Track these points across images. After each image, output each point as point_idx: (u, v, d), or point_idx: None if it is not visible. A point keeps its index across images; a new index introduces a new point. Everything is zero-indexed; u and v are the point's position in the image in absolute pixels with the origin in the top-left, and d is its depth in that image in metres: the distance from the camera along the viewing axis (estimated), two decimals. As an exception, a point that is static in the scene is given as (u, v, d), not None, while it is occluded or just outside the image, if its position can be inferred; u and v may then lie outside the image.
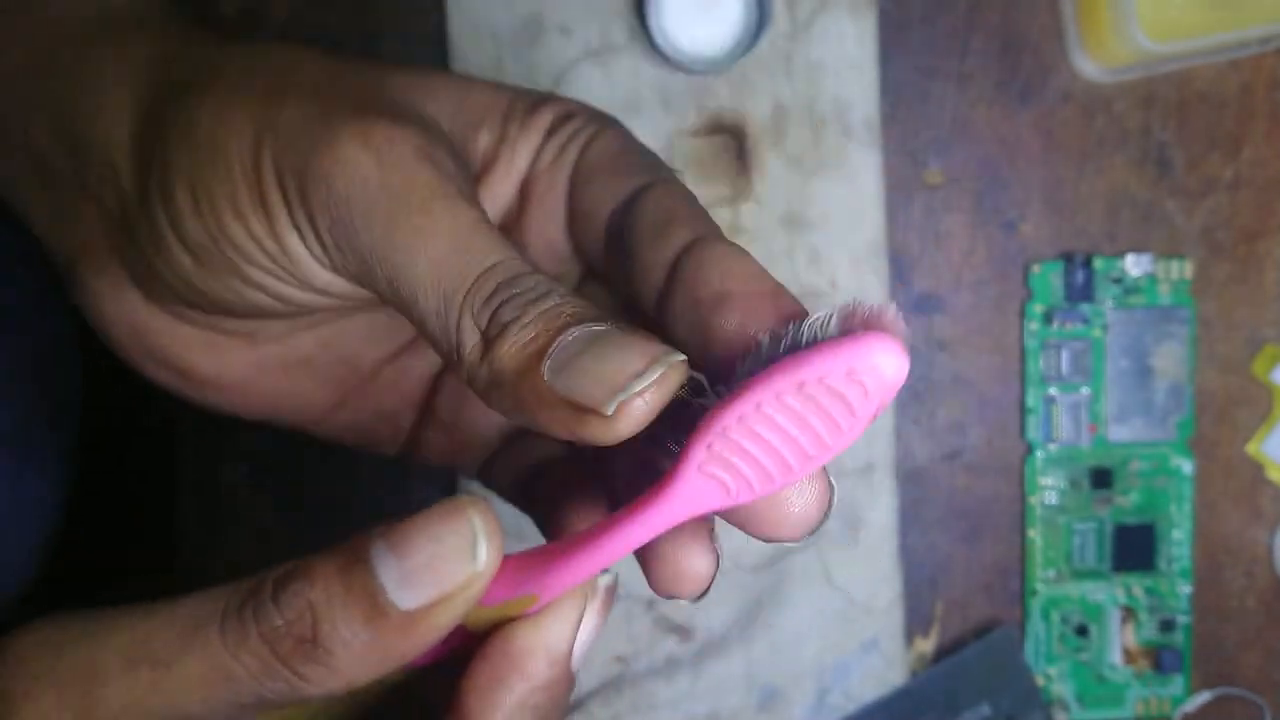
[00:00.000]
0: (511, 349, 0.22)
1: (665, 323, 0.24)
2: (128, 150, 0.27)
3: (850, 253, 0.43)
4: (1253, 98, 0.44)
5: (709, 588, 0.24)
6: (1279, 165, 0.44)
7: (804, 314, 0.22)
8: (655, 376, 0.21)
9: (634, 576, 0.25)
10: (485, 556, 0.21)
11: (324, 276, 0.25)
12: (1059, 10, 0.44)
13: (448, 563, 0.21)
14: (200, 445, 0.43)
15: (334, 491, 0.43)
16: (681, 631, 0.43)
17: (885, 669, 0.44)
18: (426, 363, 0.31)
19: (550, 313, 0.22)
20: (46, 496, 0.40)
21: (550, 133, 0.27)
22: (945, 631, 0.45)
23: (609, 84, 0.42)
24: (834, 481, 0.23)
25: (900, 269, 0.44)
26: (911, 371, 0.47)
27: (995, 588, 0.45)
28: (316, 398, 0.30)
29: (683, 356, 0.21)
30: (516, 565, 0.22)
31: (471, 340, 0.23)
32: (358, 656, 0.21)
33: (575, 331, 0.22)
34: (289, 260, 0.25)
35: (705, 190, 0.42)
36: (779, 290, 0.23)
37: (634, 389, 0.21)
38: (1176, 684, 0.45)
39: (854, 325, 0.20)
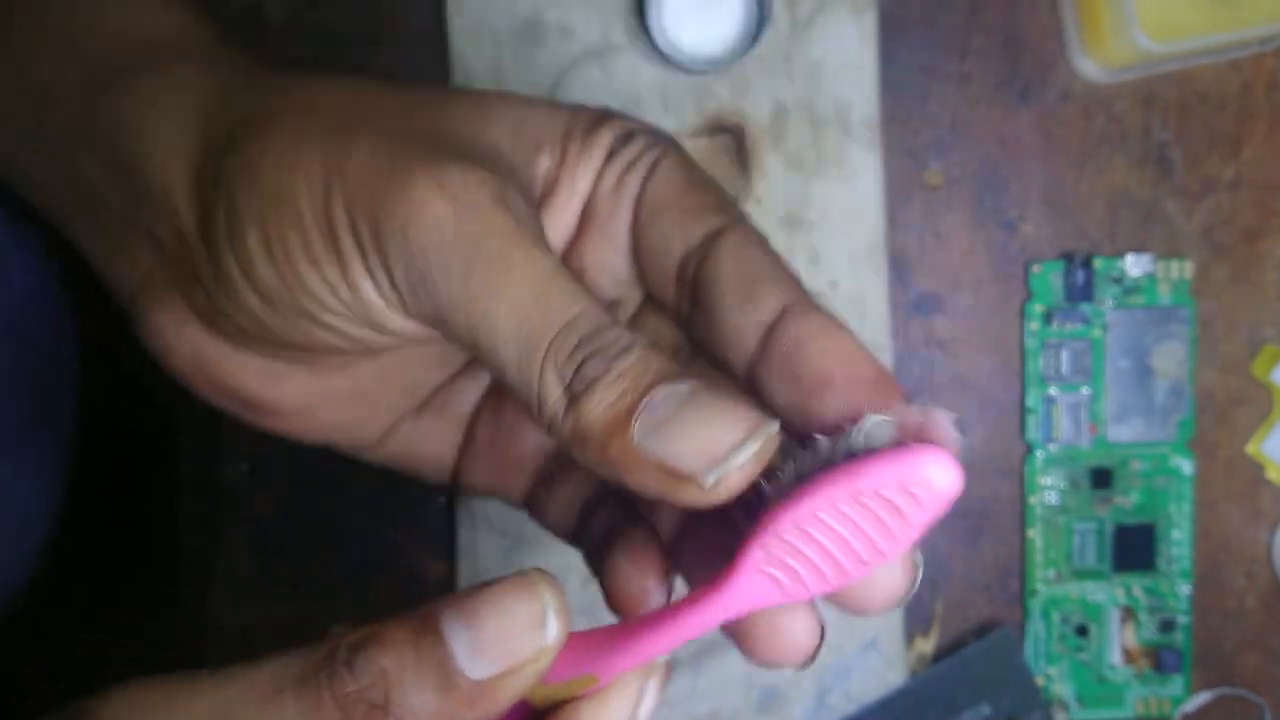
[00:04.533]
0: (599, 407, 0.22)
1: (757, 389, 0.24)
2: (186, 191, 0.27)
3: (850, 253, 0.43)
4: (1253, 98, 0.44)
5: (815, 655, 0.24)
6: (1279, 165, 0.44)
7: (903, 400, 0.23)
8: (755, 449, 0.22)
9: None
10: (554, 630, 0.21)
11: (397, 322, 0.25)
12: (1059, 10, 0.44)
13: (518, 635, 0.21)
14: (200, 445, 0.43)
15: (334, 491, 0.43)
16: (681, 631, 0.43)
17: (885, 669, 0.44)
18: (475, 387, 0.31)
19: (635, 369, 0.22)
20: (45, 496, 0.40)
21: (610, 155, 0.27)
22: (945, 631, 0.45)
23: (609, 84, 0.42)
24: (919, 560, 0.23)
25: (900, 269, 0.44)
26: (911, 371, 0.47)
27: (995, 588, 0.45)
28: (372, 424, 0.30)
29: (777, 424, 0.22)
30: (577, 643, 0.23)
31: (555, 393, 0.23)
32: None
33: (662, 392, 0.22)
34: (363, 307, 0.25)
35: (705, 190, 0.42)
36: (881, 375, 0.23)
37: (734, 461, 0.21)
38: (1176, 684, 0.45)
39: (907, 435, 0.21)
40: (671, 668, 0.24)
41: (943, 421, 0.21)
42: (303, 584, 0.43)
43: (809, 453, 0.22)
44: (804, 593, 0.22)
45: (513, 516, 0.43)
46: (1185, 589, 0.45)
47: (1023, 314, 0.44)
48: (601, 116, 0.27)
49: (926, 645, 0.45)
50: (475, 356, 0.24)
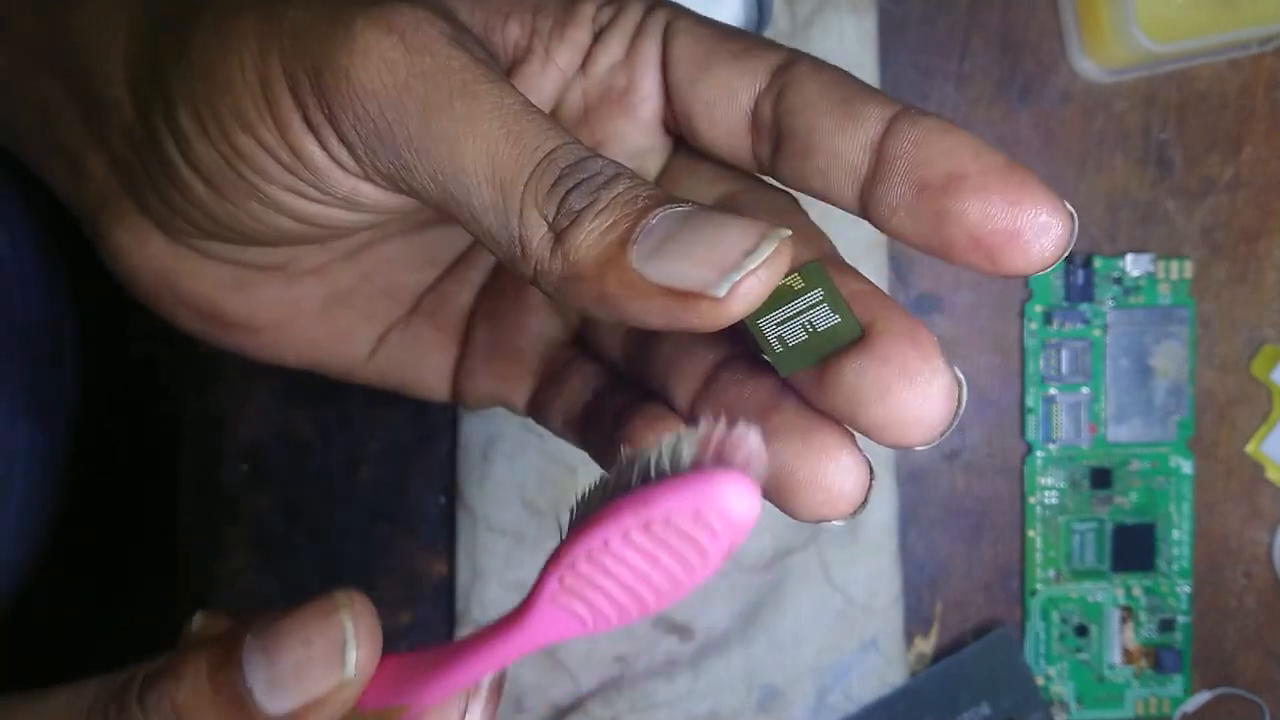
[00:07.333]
0: (590, 237, 0.20)
1: (873, 213, 0.23)
2: (124, 82, 0.25)
3: (850, 253, 0.43)
4: (1253, 98, 0.44)
5: (865, 500, 0.22)
6: (1279, 165, 0.44)
7: (1036, 189, 0.21)
8: (769, 252, 0.19)
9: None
10: (355, 663, 0.20)
11: (347, 183, 0.23)
12: (1059, 10, 0.44)
13: (317, 667, 0.20)
14: (200, 445, 0.43)
15: (334, 491, 0.43)
16: (681, 631, 0.43)
17: (885, 669, 0.44)
18: (467, 287, 0.29)
19: (626, 195, 0.20)
20: (44, 495, 0.40)
21: (602, 28, 0.25)
22: (945, 631, 0.45)
23: (609, 84, 0.42)
24: (961, 379, 0.21)
25: (900, 269, 0.44)
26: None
27: (995, 588, 0.45)
28: (357, 336, 0.29)
29: (789, 231, 0.20)
30: (395, 666, 0.22)
31: (538, 232, 0.21)
32: None
33: (659, 213, 0.20)
34: (307, 169, 0.23)
35: (705, 190, 0.42)
36: (1011, 167, 0.21)
37: (748, 266, 0.19)
38: (1176, 684, 0.45)
39: (707, 454, 0.19)
40: (501, 688, 0.23)
41: (748, 440, 0.19)
42: (303, 584, 0.43)
43: (611, 472, 0.20)
44: (606, 625, 0.21)
45: (513, 516, 0.43)
46: (1185, 589, 0.45)
47: (1023, 314, 0.44)
48: None
49: (926, 645, 0.45)
50: (446, 213, 0.22)
